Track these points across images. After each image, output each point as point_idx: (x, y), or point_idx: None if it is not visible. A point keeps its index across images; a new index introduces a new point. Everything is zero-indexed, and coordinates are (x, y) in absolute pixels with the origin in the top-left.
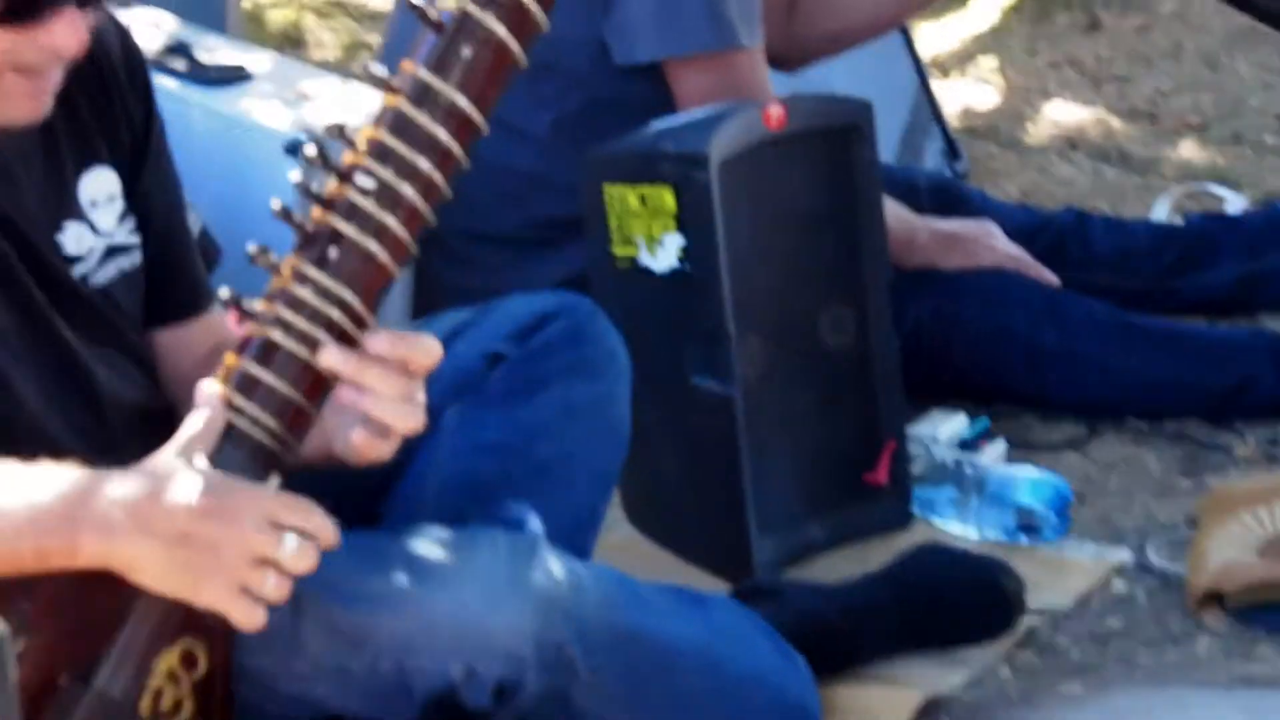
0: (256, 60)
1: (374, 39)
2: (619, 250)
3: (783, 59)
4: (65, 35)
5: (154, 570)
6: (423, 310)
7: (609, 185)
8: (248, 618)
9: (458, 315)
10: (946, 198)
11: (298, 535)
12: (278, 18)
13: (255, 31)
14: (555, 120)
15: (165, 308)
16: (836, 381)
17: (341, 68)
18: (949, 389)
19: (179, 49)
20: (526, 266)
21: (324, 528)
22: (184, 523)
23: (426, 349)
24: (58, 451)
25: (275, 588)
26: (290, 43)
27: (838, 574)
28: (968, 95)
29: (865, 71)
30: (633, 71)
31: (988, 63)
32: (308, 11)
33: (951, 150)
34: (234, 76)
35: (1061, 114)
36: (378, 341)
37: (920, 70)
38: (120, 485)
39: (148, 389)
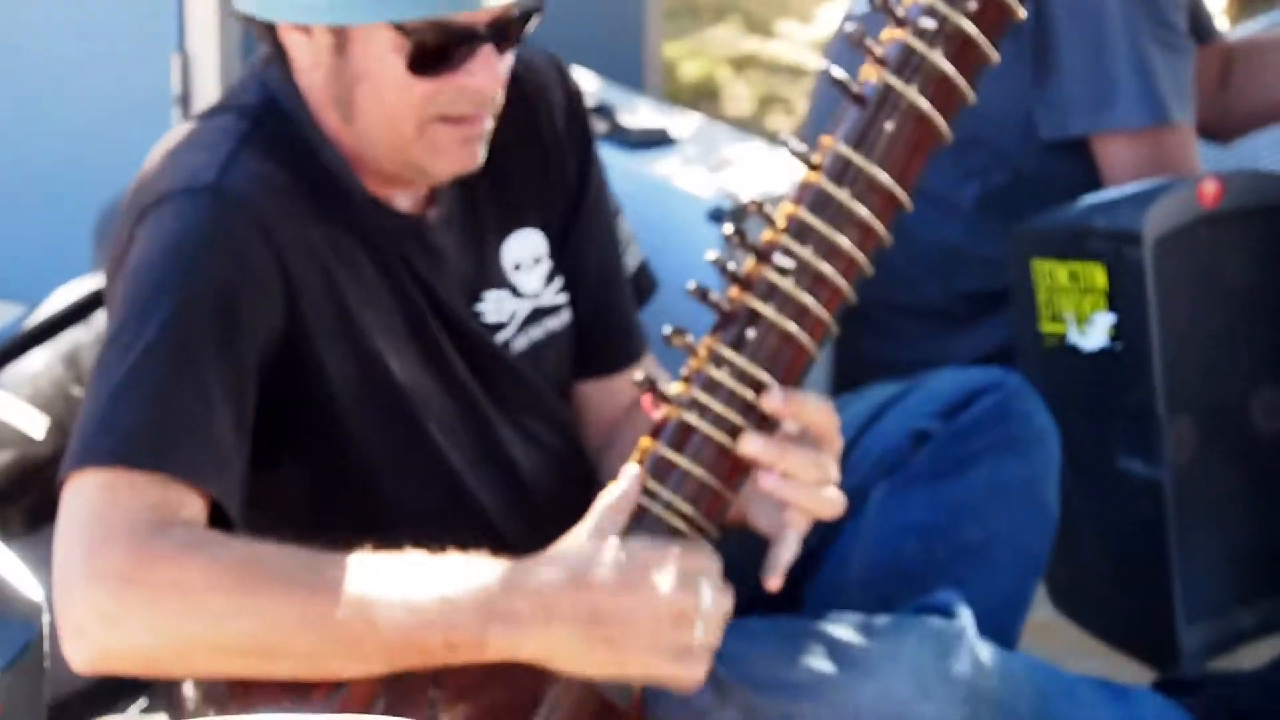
0: (678, 123)
1: (788, 92)
2: (1046, 327)
3: (1214, 131)
4: (484, 76)
5: (572, 655)
6: (843, 382)
7: (1038, 260)
8: (688, 675)
9: (883, 391)
10: None
11: (709, 581)
12: (691, 70)
13: (669, 84)
14: (981, 194)
15: (595, 360)
16: (1267, 466)
17: (758, 125)
18: None
19: (601, 110)
20: (948, 340)
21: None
22: (592, 602)
23: (815, 407)
24: (484, 519)
25: (705, 636)
26: (704, 96)
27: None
28: None
29: None
30: (1059, 147)
31: None
32: (721, 64)
33: None
34: (657, 140)
35: None
36: (772, 400)
37: None
38: (526, 575)
39: (564, 456)
